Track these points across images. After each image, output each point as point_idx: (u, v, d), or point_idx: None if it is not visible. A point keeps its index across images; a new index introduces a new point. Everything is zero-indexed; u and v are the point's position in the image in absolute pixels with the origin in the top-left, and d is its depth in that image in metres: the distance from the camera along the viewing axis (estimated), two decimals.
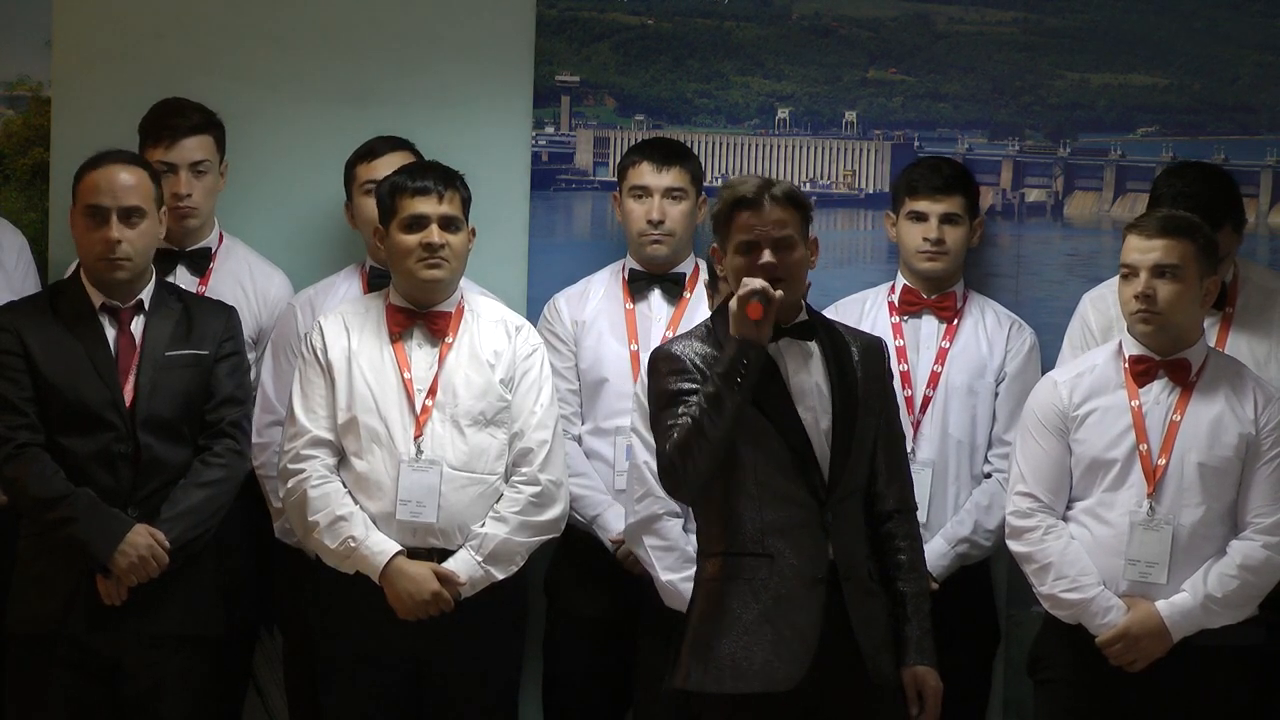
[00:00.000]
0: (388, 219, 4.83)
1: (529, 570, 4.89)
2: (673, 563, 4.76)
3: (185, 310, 4.88)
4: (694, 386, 4.17)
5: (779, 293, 4.13)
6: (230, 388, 4.88)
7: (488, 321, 4.90)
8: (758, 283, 4.12)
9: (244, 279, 5.26)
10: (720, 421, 4.10)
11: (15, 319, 4.81)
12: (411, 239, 4.78)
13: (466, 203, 4.85)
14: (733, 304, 4.14)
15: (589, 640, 5.11)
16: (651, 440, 4.68)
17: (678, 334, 4.50)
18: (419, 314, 4.85)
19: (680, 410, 4.15)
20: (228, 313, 4.97)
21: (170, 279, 5.07)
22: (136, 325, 4.82)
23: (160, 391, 4.78)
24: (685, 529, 4.76)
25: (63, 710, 4.74)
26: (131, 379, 4.78)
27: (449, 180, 4.83)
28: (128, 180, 4.79)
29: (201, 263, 5.23)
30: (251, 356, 5.15)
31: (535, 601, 5.10)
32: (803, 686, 4.13)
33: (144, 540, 4.69)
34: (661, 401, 4.22)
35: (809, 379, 4.24)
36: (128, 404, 4.76)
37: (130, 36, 5.52)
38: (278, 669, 5.33)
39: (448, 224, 4.79)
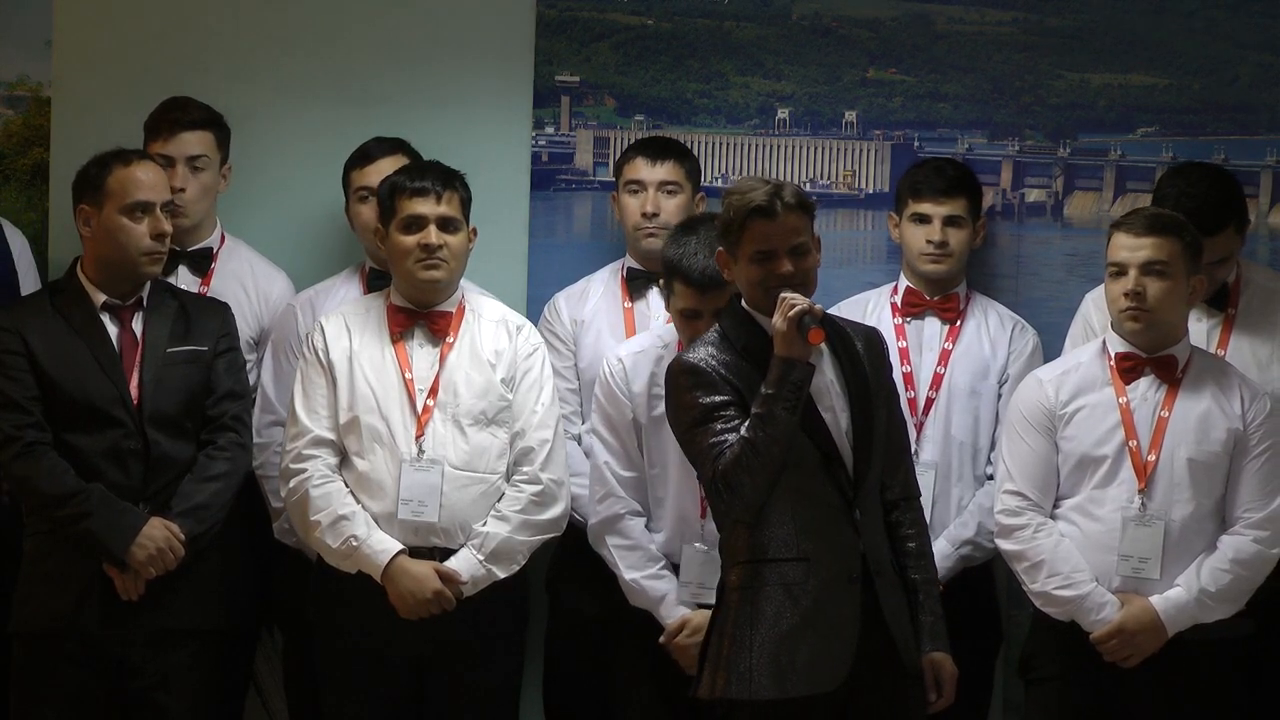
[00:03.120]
0: (387, 219, 4.83)
1: (530, 569, 4.89)
2: (636, 561, 4.76)
3: (181, 308, 4.89)
4: (727, 399, 4.16)
5: (819, 308, 4.15)
6: (230, 383, 4.89)
7: (489, 321, 4.90)
8: (802, 300, 4.12)
9: (246, 280, 5.26)
10: (780, 441, 4.10)
11: (16, 319, 4.81)
12: (410, 240, 4.78)
13: (466, 203, 4.85)
14: (777, 322, 4.12)
15: (590, 639, 5.10)
16: (613, 441, 4.74)
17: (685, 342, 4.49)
18: (420, 314, 4.85)
19: (720, 428, 4.14)
20: (223, 310, 4.98)
21: (171, 279, 5.07)
22: (137, 323, 4.84)
23: (164, 388, 4.79)
24: (648, 528, 4.78)
25: (69, 708, 4.74)
26: (136, 376, 4.79)
27: (448, 181, 4.82)
28: (161, 176, 4.84)
29: (203, 263, 5.22)
30: (253, 358, 5.16)
31: (536, 600, 5.10)
32: (840, 684, 4.14)
33: (160, 533, 4.71)
34: (691, 417, 4.19)
35: (823, 377, 4.24)
36: (134, 401, 4.77)
37: (130, 36, 5.53)
38: (278, 669, 5.33)
39: (446, 225, 4.79)
